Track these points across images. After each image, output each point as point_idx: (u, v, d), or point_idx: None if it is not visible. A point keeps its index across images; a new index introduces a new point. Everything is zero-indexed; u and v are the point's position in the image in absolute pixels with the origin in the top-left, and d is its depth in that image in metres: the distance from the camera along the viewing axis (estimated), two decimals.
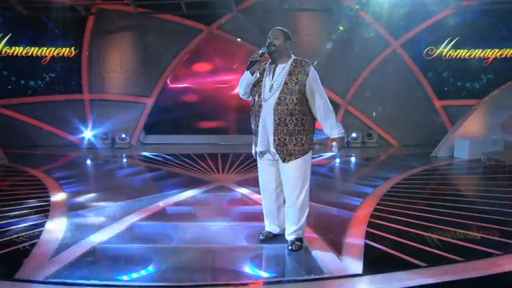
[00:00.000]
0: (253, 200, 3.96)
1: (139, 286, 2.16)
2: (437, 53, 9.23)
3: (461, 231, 2.96)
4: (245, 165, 6.04)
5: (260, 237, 2.77)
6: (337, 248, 2.61)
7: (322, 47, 9.21)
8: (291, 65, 2.48)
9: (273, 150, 2.49)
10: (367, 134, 9.30)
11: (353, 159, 7.50)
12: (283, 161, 2.48)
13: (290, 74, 2.45)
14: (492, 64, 9.23)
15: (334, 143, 2.56)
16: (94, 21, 8.90)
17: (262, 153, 2.59)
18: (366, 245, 2.65)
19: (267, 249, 2.66)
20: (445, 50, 9.20)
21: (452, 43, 9.15)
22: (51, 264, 2.35)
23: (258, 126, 2.52)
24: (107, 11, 8.85)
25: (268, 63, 2.58)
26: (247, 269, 2.37)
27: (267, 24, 8.94)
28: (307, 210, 2.60)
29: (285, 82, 2.44)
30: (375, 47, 9.22)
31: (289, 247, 2.57)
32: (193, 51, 9.22)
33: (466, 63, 9.26)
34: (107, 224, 3.15)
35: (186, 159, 6.99)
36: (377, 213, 3.43)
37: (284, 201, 2.67)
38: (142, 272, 2.29)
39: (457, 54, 9.22)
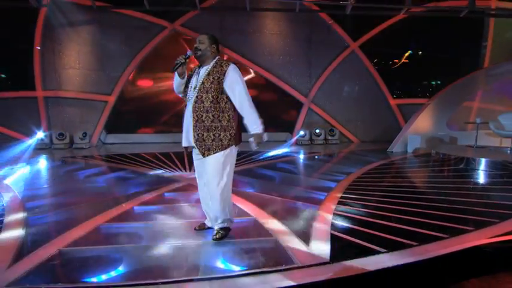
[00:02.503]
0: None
1: (113, 286, 2.13)
2: (391, 55, 9.90)
3: (415, 218, 3.25)
4: None
5: (196, 228, 2.95)
6: (305, 238, 2.75)
7: (286, 46, 9.44)
8: (212, 65, 2.64)
9: (193, 145, 2.66)
10: (329, 130, 9.70)
11: (317, 155, 7.78)
12: (203, 155, 2.63)
13: (208, 74, 2.61)
14: (439, 67, 10.08)
15: (251, 139, 2.61)
16: (47, 14, 8.35)
17: (186, 148, 2.75)
18: (332, 235, 2.82)
19: (238, 243, 2.73)
20: (398, 52, 9.91)
21: (403, 44, 9.87)
22: (12, 270, 2.24)
23: (183, 123, 2.69)
24: (61, 3, 8.34)
25: (198, 66, 2.74)
26: (219, 263, 2.42)
27: (230, 22, 9.01)
28: (230, 203, 2.76)
29: (202, 82, 2.60)
30: (335, 48, 9.64)
31: (213, 236, 2.74)
32: (156, 47, 9.00)
33: (417, 65, 10.02)
34: (71, 226, 3.02)
35: (151, 158, 6.84)
36: (341, 206, 3.64)
37: None
38: (113, 273, 2.26)
39: (408, 56, 9.95)
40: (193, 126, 2.61)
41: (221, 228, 2.76)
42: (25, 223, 3.14)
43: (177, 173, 5.50)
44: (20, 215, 3.36)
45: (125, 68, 8.87)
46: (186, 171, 5.66)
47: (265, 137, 2.61)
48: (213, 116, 2.59)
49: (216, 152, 2.60)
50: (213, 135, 2.60)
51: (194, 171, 2.88)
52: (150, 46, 8.89)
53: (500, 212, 3.41)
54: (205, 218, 2.97)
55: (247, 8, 8.52)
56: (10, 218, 3.28)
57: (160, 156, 7.06)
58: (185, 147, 2.76)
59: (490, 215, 3.31)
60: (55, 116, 8.72)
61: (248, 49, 9.12)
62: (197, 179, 2.87)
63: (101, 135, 9.11)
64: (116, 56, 8.80)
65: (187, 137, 2.69)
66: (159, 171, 5.65)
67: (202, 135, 2.60)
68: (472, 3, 7.80)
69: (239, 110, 2.62)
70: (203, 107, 2.59)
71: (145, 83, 9.50)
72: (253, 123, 2.59)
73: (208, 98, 2.57)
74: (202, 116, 2.59)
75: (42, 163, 6.63)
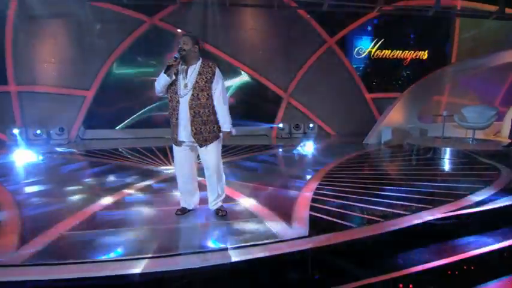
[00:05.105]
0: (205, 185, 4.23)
1: (111, 260, 2.33)
2: (366, 52, 10.40)
3: (382, 200, 3.65)
4: None
5: (177, 212, 3.24)
6: (287, 219, 3.07)
7: (265, 41, 9.70)
8: (200, 66, 2.93)
9: (191, 139, 2.94)
10: (307, 124, 10.08)
11: (297, 148, 8.10)
12: (200, 146, 2.97)
13: (200, 73, 2.90)
14: (410, 63, 10.69)
15: (221, 134, 3.06)
16: (18, 5, 8.11)
17: (182, 142, 3.01)
18: (311, 216, 3.16)
19: (226, 224, 3.00)
20: (373, 50, 10.42)
21: (378, 44, 10.38)
22: (22, 252, 2.42)
23: (177, 119, 2.93)
24: None
25: (180, 65, 2.95)
26: (210, 242, 2.67)
27: (210, 18, 9.13)
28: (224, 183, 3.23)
29: (196, 81, 2.88)
30: (312, 43, 9.99)
31: (219, 214, 3.17)
32: (134, 42, 8.98)
33: (390, 62, 10.58)
34: (67, 215, 3.18)
35: (134, 153, 6.94)
36: (319, 191, 4.00)
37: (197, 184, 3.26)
38: (112, 255, 2.45)
39: (383, 54, 10.49)
40: (191, 121, 2.88)
41: (221, 207, 3.23)
42: (20, 214, 3.26)
43: (162, 166, 5.67)
44: (14, 207, 3.46)
45: (103, 63, 8.81)
46: (171, 164, 5.82)
47: (233, 132, 3.07)
48: (208, 111, 2.92)
49: (211, 142, 3.00)
50: (209, 127, 2.96)
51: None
52: (129, 41, 8.87)
53: (455, 193, 3.87)
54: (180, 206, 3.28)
55: (227, 4, 8.68)
56: (4, 209, 3.38)
57: (143, 151, 7.16)
58: (180, 141, 2.99)
59: (446, 196, 3.75)
60: (30, 111, 8.54)
61: (228, 44, 9.30)
62: (179, 170, 3.13)
63: (79, 131, 9.03)
64: (94, 50, 8.70)
65: (183, 131, 2.93)
66: (144, 165, 5.79)
67: (200, 128, 2.92)
68: (438, 2, 8.33)
69: (217, 105, 2.97)
70: (200, 103, 2.88)
71: (124, 78, 9.43)
72: (226, 121, 3.00)
73: (204, 96, 2.90)
74: (199, 111, 2.88)
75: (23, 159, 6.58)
